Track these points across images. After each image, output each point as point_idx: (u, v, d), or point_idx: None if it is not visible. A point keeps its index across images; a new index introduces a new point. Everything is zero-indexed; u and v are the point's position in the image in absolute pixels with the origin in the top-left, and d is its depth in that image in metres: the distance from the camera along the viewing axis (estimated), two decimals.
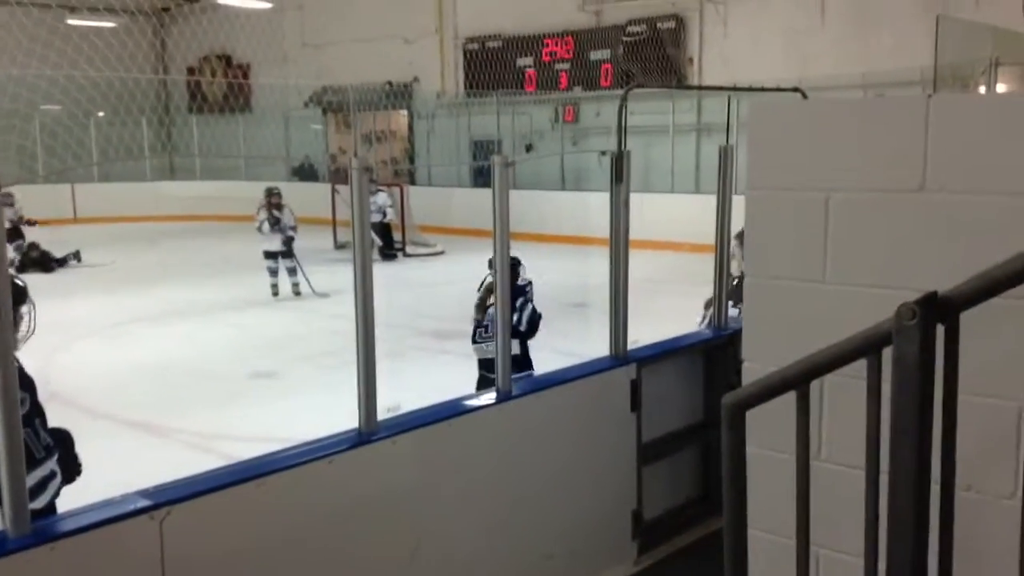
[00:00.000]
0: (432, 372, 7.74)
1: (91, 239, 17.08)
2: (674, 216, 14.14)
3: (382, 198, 15.23)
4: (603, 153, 4.04)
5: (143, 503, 2.45)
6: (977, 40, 11.84)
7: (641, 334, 4.23)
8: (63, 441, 3.27)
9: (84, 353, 9.23)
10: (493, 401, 3.48)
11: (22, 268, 14.34)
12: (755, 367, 2.14)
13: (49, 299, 10.81)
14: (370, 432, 3.01)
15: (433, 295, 12.25)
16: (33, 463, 2.93)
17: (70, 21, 20.26)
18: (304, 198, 15.55)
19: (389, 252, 15.55)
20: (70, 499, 2.97)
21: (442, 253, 16.21)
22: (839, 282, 2.04)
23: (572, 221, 15.40)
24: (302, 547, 2.78)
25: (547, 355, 6.29)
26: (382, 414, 3.09)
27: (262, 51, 22.23)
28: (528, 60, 19.10)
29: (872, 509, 1.55)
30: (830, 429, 2.04)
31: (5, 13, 19.47)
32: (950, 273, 1.56)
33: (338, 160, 22.22)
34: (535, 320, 5.72)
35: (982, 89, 11.53)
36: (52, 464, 3.18)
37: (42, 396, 3.26)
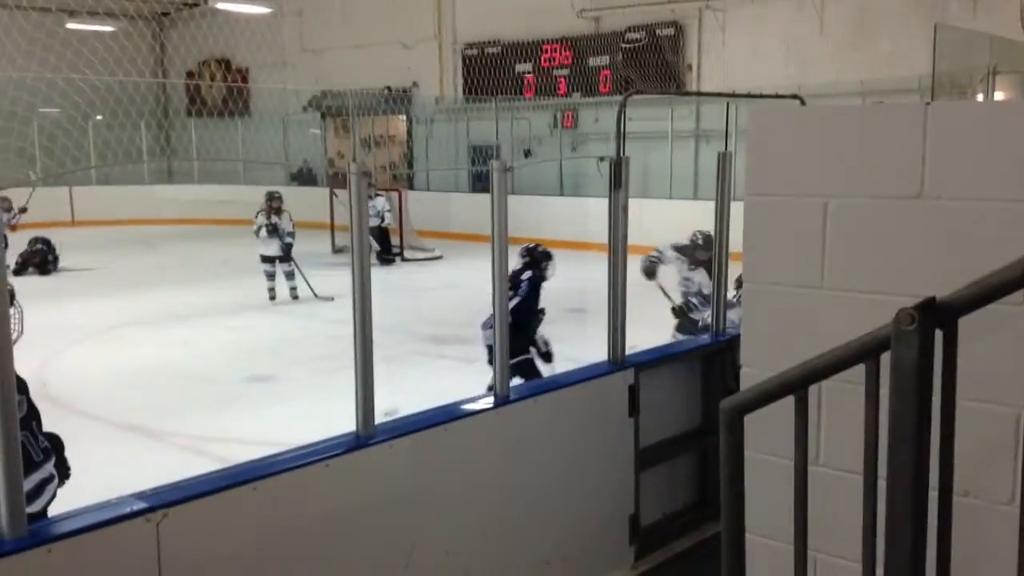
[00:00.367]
0: (430, 377, 7.73)
1: (89, 242, 17.08)
2: (672, 222, 14.12)
3: (380, 202, 15.23)
4: (602, 159, 4.05)
5: (140, 505, 2.44)
6: (975, 48, 11.88)
7: (639, 339, 4.23)
8: (54, 445, 3.27)
9: (80, 357, 9.21)
10: (491, 405, 3.48)
11: (21, 268, 14.35)
12: (753, 372, 2.15)
13: (46, 302, 10.84)
14: (367, 436, 3.01)
15: (431, 300, 12.25)
16: (32, 466, 2.92)
17: (69, 25, 20.28)
18: (302, 202, 15.54)
19: (387, 257, 15.55)
20: (65, 502, 2.97)
21: (440, 258, 16.21)
22: (837, 288, 2.05)
23: (570, 226, 15.41)
24: (298, 551, 2.78)
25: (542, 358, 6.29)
26: (379, 418, 3.09)
27: (261, 56, 22.26)
28: (527, 66, 19.13)
29: (870, 514, 1.55)
30: (828, 434, 2.04)
31: (5, 16, 19.50)
32: (948, 279, 1.57)
33: (336, 164, 22.23)
34: (518, 312, 5.76)
35: (980, 97, 11.56)
36: (50, 467, 3.18)
37: (38, 400, 3.25)
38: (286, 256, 11.92)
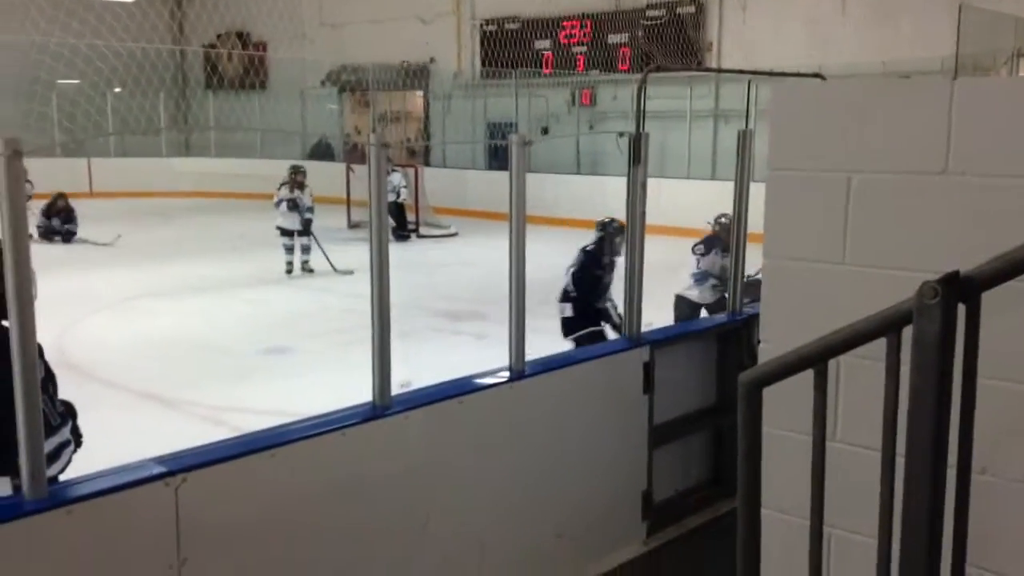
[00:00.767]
0: (444, 352, 7.75)
1: (106, 213, 17.16)
2: (690, 202, 14.08)
3: (396, 178, 15.23)
4: (621, 135, 4.03)
5: (159, 470, 2.47)
6: (999, 30, 11.72)
7: (655, 317, 4.23)
8: (68, 412, 3.30)
9: (99, 326, 9.29)
10: (505, 379, 3.48)
11: (46, 234, 14.49)
12: (772, 348, 2.14)
13: (65, 272, 10.92)
14: (384, 406, 3.02)
15: (446, 276, 12.26)
16: (49, 430, 2.95)
17: None
18: (319, 177, 15.54)
19: (402, 233, 15.56)
20: (84, 467, 3.00)
21: (455, 235, 16.20)
22: (859, 264, 2.04)
23: (587, 205, 15.35)
24: (313, 517, 2.80)
25: (559, 338, 6.30)
26: (395, 389, 3.10)
27: (280, 29, 22.19)
28: (546, 42, 19.02)
29: (887, 490, 1.54)
30: (846, 409, 2.03)
31: None
32: (972, 256, 1.55)
33: (353, 139, 22.21)
34: (578, 282, 5.90)
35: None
36: (67, 432, 3.21)
37: (57, 367, 3.28)
38: (306, 231, 11.96)
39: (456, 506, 3.25)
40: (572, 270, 6.17)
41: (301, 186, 12.05)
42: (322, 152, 22.37)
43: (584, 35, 18.54)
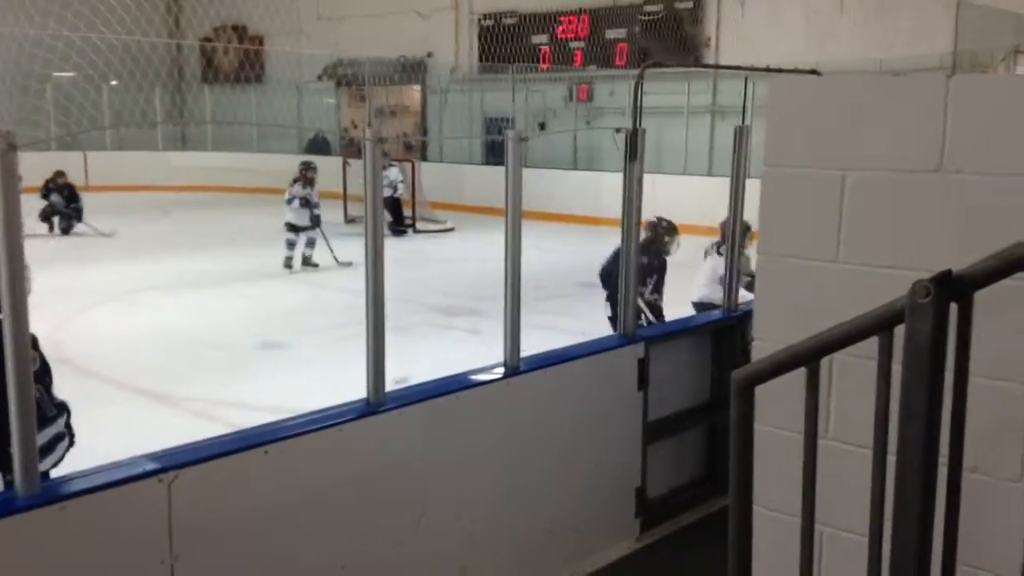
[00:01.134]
0: (440, 347, 7.75)
1: (103, 207, 17.11)
2: (686, 198, 14.08)
3: (393, 173, 15.20)
4: (618, 130, 4.03)
5: (152, 466, 2.47)
6: (998, 27, 11.71)
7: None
8: (61, 411, 3.29)
9: (95, 320, 9.27)
10: (500, 376, 3.49)
11: (47, 216, 14.51)
12: (765, 346, 2.14)
13: (61, 266, 10.89)
14: (378, 403, 3.02)
15: (443, 272, 12.25)
16: (45, 421, 2.95)
17: None
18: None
19: (399, 228, 15.54)
20: (77, 461, 3.00)
21: (452, 230, 16.19)
22: (853, 262, 2.03)
23: (583, 200, 15.36)
24: (307, 514, 2.80)
25: (555, 334, 6.30)
26: (390, 385, 3.10)
27: (277, 22, 22.12)
28: (543, 37, 18.97)
29: (878, 488, 1.55)
30: (838, 408, 2.03)
31: None
32: (966, 255, 1.55)
33: (350, 133, 22.16)
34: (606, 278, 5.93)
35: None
36: (63, 424, 3.20)
37: (53, 362, 3.28)
38: (315, 225, 12.00)
39: (450, 500, 3.25)
40: (606, 270, 6.07)
41: (312, 182, 12.08)
42: (318, 146, 22.32)
43: (581, 30, 18.50)
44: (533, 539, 3.59)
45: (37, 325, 2.42)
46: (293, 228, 12.02)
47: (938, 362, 1.40)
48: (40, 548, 2.29)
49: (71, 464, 3.10)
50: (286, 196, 12.06)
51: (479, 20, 19.95)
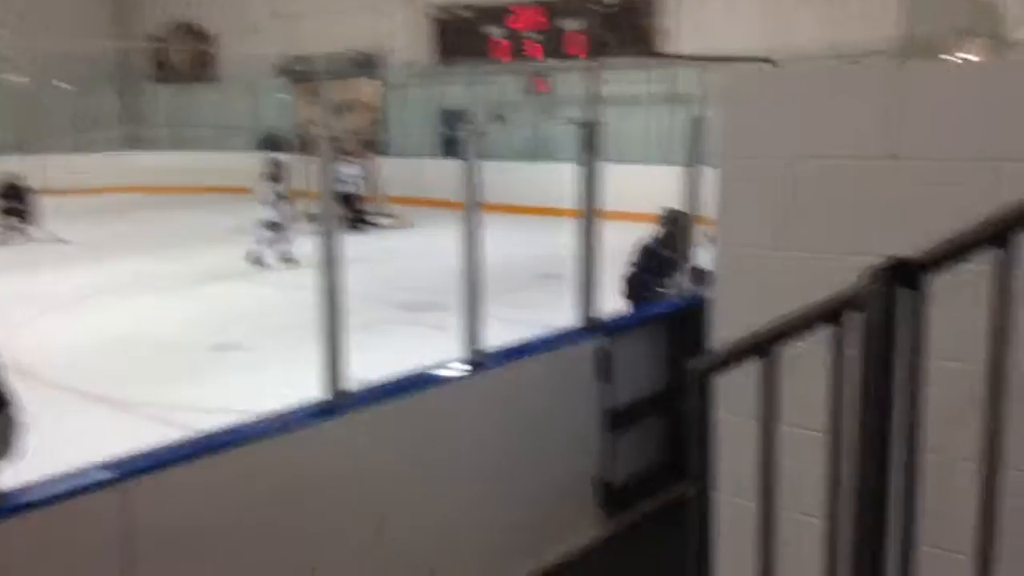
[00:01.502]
0: (402, 344, 7.71)
1: (57, 211, 16.78)
2: (646, 187, 14.13)
3: (353, 169, 15.09)
4: (570, 122, 4.03)
5: (108, 475, 2.42)
6: (951, 10, 11.84)
7: (611, 304, 4.23)
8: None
9: (49, 326, 9.10)
10: (463, 371, 3.47)
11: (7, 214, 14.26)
12: (724, 334, 2.15)
13: (12, 273, 10.66)
14: (337, 403, 2.99)
15: (405, 267, 12.18)
16: None
17: None
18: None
19: (358, 224, 15.43)
20: (32, 473, 2.92)
21: (412, 225, 16.10)
22: (809, 250, 2.05)
23: (542, 192, 15.35)
24: (268, 518, 2.77)
25: (516, 327, 6.28)
26: (353, 385, 3.07)
27: (231, 21, 21.83)
28: (499, 30, 18.93)
29: (834, 471, 1.56)
30: (796, 394, 2.04)
31: None
32: (921, 240, 1.57)
33: (306, 131, 21.94)
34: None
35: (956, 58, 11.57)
36: (14, 414, 3.11)
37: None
38: (287, 223, 11.92)
39: (412, 502, 3.23)
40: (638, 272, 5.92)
41: (281, 179, 12.04)
42: (272, 144, 22.04)
43: (538, 22, 18.48)
44: (498, 532, 3.59)
45: None
46: (271, 225, 11.93)
47: (891, 346, 1.41)
48: None
49: (25, 475, 3.03)
50: (259, 195, 11.97)
51: (434, 14, 19.85)
